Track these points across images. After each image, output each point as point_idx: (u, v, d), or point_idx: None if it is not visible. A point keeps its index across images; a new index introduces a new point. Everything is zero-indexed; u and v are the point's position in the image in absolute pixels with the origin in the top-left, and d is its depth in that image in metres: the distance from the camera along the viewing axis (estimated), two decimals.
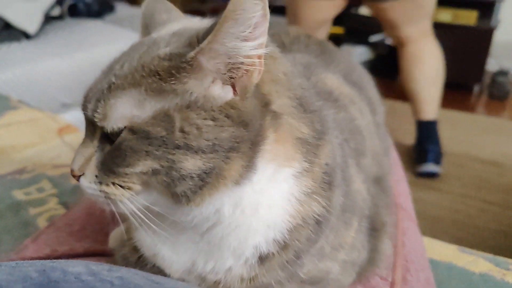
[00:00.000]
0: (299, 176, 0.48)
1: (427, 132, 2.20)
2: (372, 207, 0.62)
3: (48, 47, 1.97)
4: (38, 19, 1.98)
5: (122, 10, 2.75)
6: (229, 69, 0.43)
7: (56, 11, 2.17)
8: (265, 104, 0.45)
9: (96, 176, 0.46)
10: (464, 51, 3.24)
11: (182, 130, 0.42)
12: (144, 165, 0.43)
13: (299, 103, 0.48)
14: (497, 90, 3.19)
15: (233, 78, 0.44)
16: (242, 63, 0.43)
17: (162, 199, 0.46)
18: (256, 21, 0.41)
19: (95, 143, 0.47)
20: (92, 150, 0.47)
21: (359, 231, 0.58)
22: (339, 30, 3.69)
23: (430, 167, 2.13)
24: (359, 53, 3.64)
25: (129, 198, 0.46)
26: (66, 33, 2.14)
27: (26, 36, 1.97)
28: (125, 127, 0.44)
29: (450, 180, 2.11)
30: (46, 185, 0.89)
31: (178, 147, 0.42)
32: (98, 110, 0.44)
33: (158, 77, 0.43)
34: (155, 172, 0.43)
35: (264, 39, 0.42)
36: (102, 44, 2.08)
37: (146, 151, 0.43)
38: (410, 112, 2.25)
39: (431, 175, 2.13)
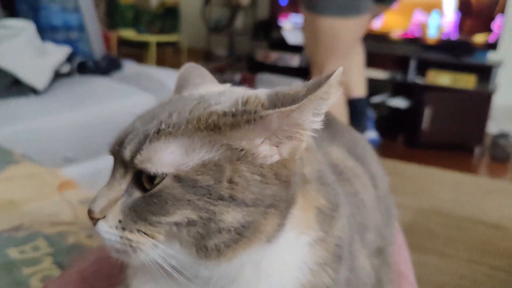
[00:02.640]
0: (313, 245, 0.48)
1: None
2: (376, 282, 0.61)
3: (54, 102, 2.01)
4: (47, 75, 2.03)
5: (130, 68, 2.82)
6: (288, 135, 0.44)
7: (65, 68, 2.23)
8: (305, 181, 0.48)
9: (120, 221, 0.45)
10: (464, 114, 3.29)
11: (230, 181, 0.42)
12: (183, 214, 0.42)
13: (318, 175, 0.50)
14: (499, 152, 3.21)
15: (283, 141, 0.45)
16: (303, 132, 0.44)
17: (183, 252, 0.44)
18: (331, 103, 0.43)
19: (123, 186, 0.46)
20: (119, 194, 0.45)
21: None
22: None
23: (372, 135, 2.26)
24: None
25: (152, 247, 0.44)
26: (73, 90, 2.19)
27: (35, 91, 2.01)
28: (168, 174, 0.43)
29: (454, 244, 2.07)
30: (42, 243, 0.87)
31: (222, 198, 0.42)
32: (141, 152, 0.43)
33: (217, 130, 0.43)
34: (190, 223, 0.42)
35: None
36: (108, 100, 2.12)
37: (189, 200, 0.42)
38: (413, 173, 2.25)
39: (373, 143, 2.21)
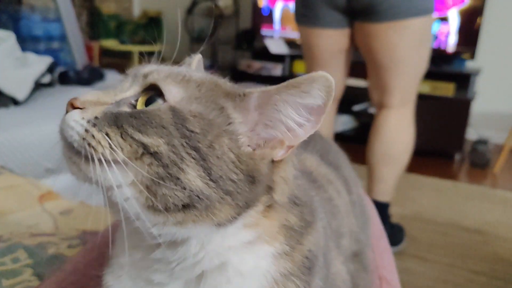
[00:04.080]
0: (277, 257, 0.49)
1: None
2: (353, 287, 0.62)
3: (35, 113, 1.99)
4: (28, 86, 2.02)
5: (112, 78, 2.81)
6: (266, 125, 0.47)
7: (46, 79, 2.22)
8: (269, 188, 0.49)
9: (96, 118, 0.45)
10: (444, 120, 3.35)
11: (211, 144, 0.45)
12: (156, 142, 0.43)
13: (292, 200, 0.51)
14: (478, 158, 3.26)
15: (263, 139, 0.47)
16: (278, 127, 0.47)
17: (133, 191, 0.44)
18: (309, 103, 0.45)
19: (118, 98, 0.48)
20: (110, 101, 0.48)
21: None
22: None
23: None
24: (343, 122, 3.73)
25: (108, 157, 0.43)
26: (54, 100, 2.17)
27: (15, 102, 1.99)
28: (166, 102, 0.46)
29: (435, 249, 2.10)
30: (21, 255, 0.86)
31: (196, 150, 0.44)
32: (160, 73, 0.47)
33: (218, 92, 0.47)
34: (156, 156, 0.43)
35: (309, 130, 0.47)
36: None
37: (170, 133, 0.44)
38: (415, 183, 2.18)
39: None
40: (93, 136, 0.44)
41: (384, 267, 0.80)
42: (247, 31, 4.46)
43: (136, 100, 0.48)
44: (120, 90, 0.49)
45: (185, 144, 0.44)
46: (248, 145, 0.47)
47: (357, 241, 0.70)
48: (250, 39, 4.38)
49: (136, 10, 5.43)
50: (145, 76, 0.48)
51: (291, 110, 0.46)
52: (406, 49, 1.65)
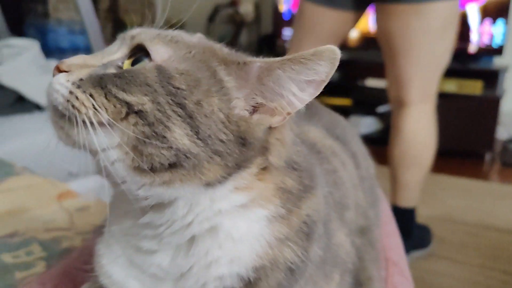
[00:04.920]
0: (272, 220, 0.48)
1: (396, 219, 1.90)
2: (357, 261, 0.60)
3: None
4: None
5: None
6: (265, 96, 0.46)
7: None
8: (264, 149, 0.47)
9: (81, 79, 0.45)
10: (472, 120, 3.25)
11: (198, 102, 0.44)
12: (141, 100, 0.43)
13: (290, 165, 0.50)
14: (509, 157, 3.15)
15: (260, 105, 0.47)
16: (278, 100, 0.46)
17: (118, 153, 0.44)
18: (313, 79, 0.45)
19: (105, 60, 0.48)
20: (97, 63, 0.47)
21: (341, 285, 0.56)
22: (346, 101, 3.75)
23: (415, 255, 1.92)
24: (367, 124, 3.67)
25: (92, 118, 0.43)
26: None
27: (39, 108, 2.03)
28: (153, 62, 0.46)
29: (466, 251, 2.02)
30: (35, 248, 0.86)
31: (182, 107, 0.43)
32: (147, 34, 0.47)
33: (212, 55, 0.47)
34: (141, 115, 0.42)
35: (307, 100, 0.46)
36: None
37: (155, 90, 0.43)
38: (445, 184, 2.06)
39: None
40: (77, 97, 0.44)
41: (391, 249, 0.77)
42: (269, 36, 4.46)
43: (123, 62, 0.48)
44: (107, 53, 0.49)
45: (170, 101, 0.43)
46: (245, 110, 0.46)
47: (365, 216, 0.67)
48: (271, 44, 4.38)
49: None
50: (133, 37, 0.48)
51: (293, 85, 0.45)
52: (427, 35, 1.52)
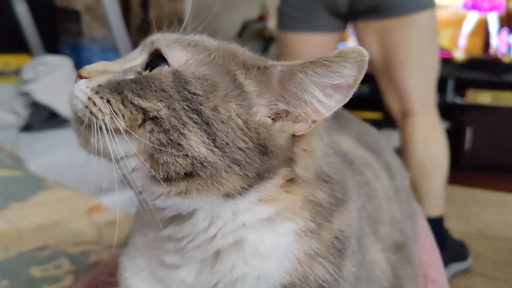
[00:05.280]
0: (301, 235, 0.46)
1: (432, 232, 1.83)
2: (393, 278, 0.56)
3: None
4: None
5: None
6: (288, 102, 0.44)
7: None
8: (289, 159, 0.45)
9: (100, 85, 0.45)
10: (508, 132, 3.15)
11: (215, 108, 0.42)
12: (156, 106, 0.42)
13: (321, 177, 0.48)
14: None
15: (283, 111, 0.45)
16: (301, 106, 0.44)
17: (136, 162, 0.43)
18: (339, 84, 0.42)
19: (125, 66, 0.47)
20: (116, 70, 0.47)
21: None
22: (377, 115, 3.69)
23: (453, 269, 1.85)
24: (398, 138, 3.60)
25: (109, 124, 0.43)
26: None
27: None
28: (170, 67, 0.45)
29: (503, 267, 1.94)
30: (64, 262, 0.87)
31: (198, 113, 0.42)
32: (166, 39, 0.47)
33: (232, 59, 0.45)
34: (157, 121, 0.42)
35: (334, 107, 0.44)
36: None
37: (170, 96, 0.42)
38: (457, 196, 2.02)
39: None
40: (94, 103, 0.44)
41: (430, 266, 0.73)
42: None
43: (143, 68, 0.47)
44: (129, 59, 0.49)
45: (186, 107, 0.42)
46: (267, 116, 0.45)
47: (401, 231, 0.63)
48: None
49: None
50: (152, 43, 0.47)
51: (317, 90, 0.43)
52: (418, 45, 1.56)
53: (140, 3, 4.44)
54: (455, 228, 2.17)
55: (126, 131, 0.43)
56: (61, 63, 2.24)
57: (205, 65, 0.45)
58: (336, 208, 0.48)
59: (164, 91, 0.43)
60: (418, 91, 1.64)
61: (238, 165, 0.42)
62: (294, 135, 0.45)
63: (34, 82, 2.09)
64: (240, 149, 0.42)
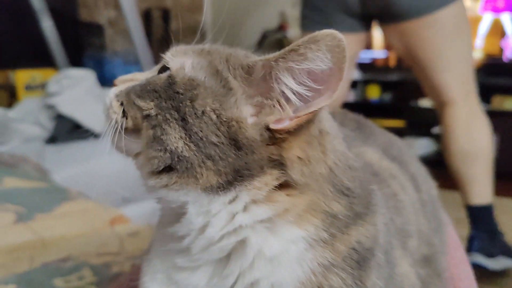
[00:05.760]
0: (314, 244, 0.45)
1: (474, 218, 1.77)
2: None
3: None
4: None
5: None
6: (263, 93, 0.44)
7: None
8: (281, 163, 0.44)
9: (121, 91, 0.50)
10: None
11: (192, 99, 0.44)
12: (148, 105, 0.46)
13: (340, 190, 0.47)
14: None
15: (260, 104, 0.45)
16: (275, 95, 0.44)
17: (144, 163, 0.47)
18: (311, 69, 0.41)
19: (149, 75, 0.52)
20: (140, 78, 0.52)
21: None
22: (400, 123, 3.65)
23: (476, 258, 1.75)
24: (422, 146, 3.54)
25: (118, 123, 0.48)
26: None
27: (95, 135, 2.10)
28: (170, 70, 0.48)
29: None
30: (87, 273, 0.87)
31: (178, 110, 0.44)
32: (176, 50, 0.50)
33: (227, 61, 0.47)
34: (148, 119, 0.46)
35: (313, 98, 0.42)
36: None
37: (160, 96, 0.46)
38: (509, 208, 1.94)
39: (483, 269, 1.73)
40: (112, 105, 0.49)
41: (460, 280, 0.70)
42: None
43: None
44: (154, 69, 0.53)
45: (170, 106, 0.45)
46: (246, 111, 0.45)
47: (429, 244, 0.61)
48: None
49: None
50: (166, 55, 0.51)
51: (289, 77, 0.42)
52: (445, 41, 1.52)
53: (161, 16, 4.51)
54: None
55: (134, 130, 0.47)
56: (85, 76, 2.27)
57: (199, 69, 0.47)
58: (353, 221, 0.46)
59: (156, 91, 0.46)
60: (453, 84, 1.61)
61: (212, 160, 0.43)
62: (275, 133, 0.44)
63: (58, 95, 2.13)
64: (213, 144, 0.43)
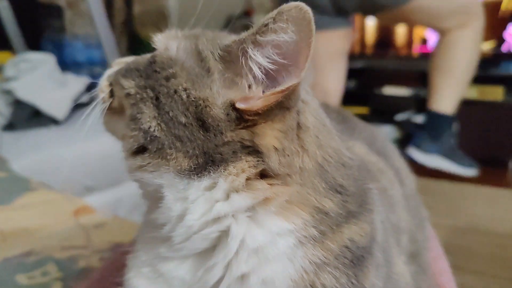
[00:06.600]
0: (303, 241, 0.44)
1: (427, 122, 1.95)
2: None
3: (74, 132, 2.02)
4: (66, 106, 2.04)
5: None
6: (233, 70, 0.43)
7: (85, 98, 2.25)
8: (256, 151, 0.43)
9: (113, 72, 0.51)
10: (494, 127, 3.18)
11: (166, 82, 0.44)
12: (129, 84, 0.46)
13: (333, 187, 0.46)
14: None
15: (231, 82, 0.43)
16: (241, 70, 0.43)
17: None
18: (275, 41, 0.40)
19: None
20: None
21: None
22: (364, 110, 3.70)
23: (410, 151, 1.93)
24: (385, 133, 3.61)
25: (105, 102, 0.49)
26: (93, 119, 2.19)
27: (55, 122, 2.02)
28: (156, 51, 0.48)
29: (494, 263, 1.94)
30: (51, 268, 0.83)
31: (152, 88, 0.44)
32: (164, 34, 0.50)
33: (210, 43, 0.46)
34: (129, 97, 0.46)
35: (279, 74, 0.41)
36: None
37: (140, 76, 0.46)
38: (445, 190, 2.08)
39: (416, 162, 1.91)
40: (102, 85, 0.50)
41: (440, 274, 0.71)
42: None
43: None
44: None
45: (147, 84, 0.45)
46: (217, 92, 0.44)
47: (414, 240, 0.62)
48: None
49: None
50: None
51: (255, 51, 0.42)
52: (436, 5, 1.63)
53: None
54: (444, 222, 2.18)
55: (120, 110, 0.48)
56: (44, 60, 2.17)
57: (183, 50, 0.46)
58: (345, 220, 0.45)
59: (137, 70, 0.47)
60: (447, 15, 1.72)
61: (181, 141, 0.43)
62: (243, 114, 0.43)
63: (16, 79, 2.03)
64: (182, 124, 0.43)
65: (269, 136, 0.43)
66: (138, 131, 0.44)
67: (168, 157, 0.43)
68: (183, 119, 0.42)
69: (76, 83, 2.16)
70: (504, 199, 2.65)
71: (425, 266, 0.62)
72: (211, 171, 0.43)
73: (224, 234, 0.44)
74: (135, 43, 5.52)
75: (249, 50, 0.41)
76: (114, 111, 0.49)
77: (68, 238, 0.99)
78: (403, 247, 0.57)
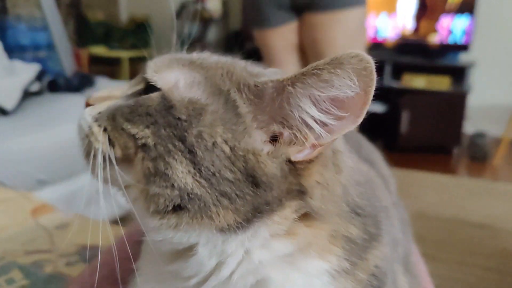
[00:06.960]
0: (336, 276, 0.42)
1: None
2: None
3: (25, 123, 1.92)
4: (16, 95, 1.94)
5: (102, 84, 2.74)
6: (280, 122, 0.40)
7: (35, 87, 2.14)
8: (300, 192, 0.41)
9: (99, 113, 0.44)
10: (441, 115, 3.32)
11: (200, 134, 0.39)
12: (143, 132, 0.40)
13: (353, 210, 0.45)
14: (477, 152, 3.24)
15: (278, 135, 0.40)
16: (294, 125, 0.39)
17: (137, 198, 0.41)
18: (335, 96, 0.37)
19: (129, 92, 0.46)
20: (119, 96, 0.46)
21: None
22: None
23: None
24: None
25: (104, 153, 0.42)
26: (44, 109, 2.10)
27: (3, 112, 1.91)
28: (161, 91, 0.42)
29: (442, 247, 2.05)
30: (16, 275, 0.79)
31: (183, 140, 0.39)
32: (157, 64, 0.44)
33: (230, 78, 0.41)
34: (145, 149, 0.40)
35: (336, 126, 0.38)
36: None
37: (156, 122, 0.40)
38: (416, 180, 2.13)
39: None
40: (93, 131, 0.43)
41: (422, 277, 0.73)
42: (237, 33, 4.40)
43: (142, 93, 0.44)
44: (133, 83, 0.46)
45: (171, 134, 0.39)
46: (261, 141, 0.40)
47: (403, 246, 0.63)
48: (241, 41, 4.32)
49: (123, 16, 5.35)
50: (146, 69, 0.45)
51: (310, 105, 0.38)
52: (347, 38, 1.69)
53: None
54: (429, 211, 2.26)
55: (124, 160, 0.41)
56: None
57: (197, 85, 0.41)
58: (369, 244, 0.45)
59: (150, 115, 0.40)
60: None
61: (228, 199, 0.39)
62: (295, 164, 0.40)
63: None
64: (228, 180, 0.39)
65: (314, 174, 0.41)
66: (170, 188, 0.39)
67: (213, 215, 0.39)
68: (229, 175, 0.38)
69: (26, 71, 2.06)
70: (449, 184, 2.79)
71: (414, 271, 0.64)
72: (255, 222, 0.40)
73: (260, 283, 0.42)
74: (83, 25, 5.29)
75: (303, 104, 0.38)
76: (116, 161, 0.42)
77: (29, 241, 0.94)
78: (400, 258, 0.57)
